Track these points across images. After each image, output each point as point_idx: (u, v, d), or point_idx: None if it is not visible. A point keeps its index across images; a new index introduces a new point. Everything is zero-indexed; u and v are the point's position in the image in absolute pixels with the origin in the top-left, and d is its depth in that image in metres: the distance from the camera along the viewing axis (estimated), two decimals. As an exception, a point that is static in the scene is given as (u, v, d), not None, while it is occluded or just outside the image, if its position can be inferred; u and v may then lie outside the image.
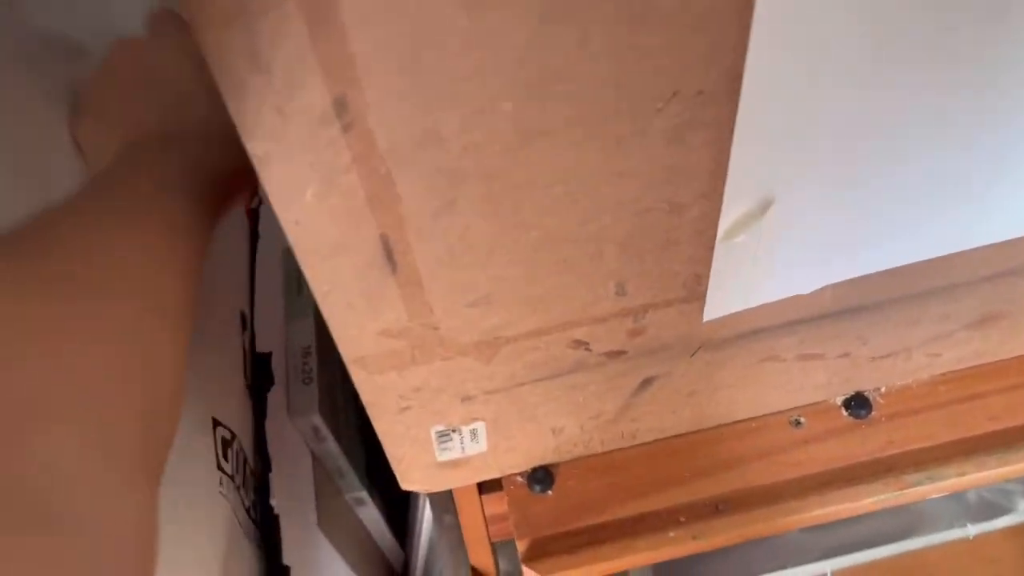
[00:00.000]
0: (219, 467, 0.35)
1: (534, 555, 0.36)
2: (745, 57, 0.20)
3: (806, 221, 0.26)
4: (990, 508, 0.68)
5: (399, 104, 0.20)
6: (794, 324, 0.32)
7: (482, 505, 0.47)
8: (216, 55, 0.18)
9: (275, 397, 0.48)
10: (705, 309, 0.29)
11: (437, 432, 0.33)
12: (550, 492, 0.38)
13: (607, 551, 0.36)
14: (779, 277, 0.28)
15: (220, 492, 0.35)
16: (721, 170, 0.24)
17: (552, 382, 0.32)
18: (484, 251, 0.25)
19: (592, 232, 0.25)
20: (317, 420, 0.55)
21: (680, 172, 0.24)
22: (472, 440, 0.35)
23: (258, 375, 0.47)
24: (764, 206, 0.25)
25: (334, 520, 0.62)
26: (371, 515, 0.72)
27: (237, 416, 0.40)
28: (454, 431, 0.34)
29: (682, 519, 0.37)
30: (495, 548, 0.53)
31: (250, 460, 0.42)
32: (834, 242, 0.28)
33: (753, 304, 0.29)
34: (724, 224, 0.25)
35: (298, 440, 0.53)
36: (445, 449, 0.35)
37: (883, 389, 0.39)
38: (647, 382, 0.34)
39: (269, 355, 0.48)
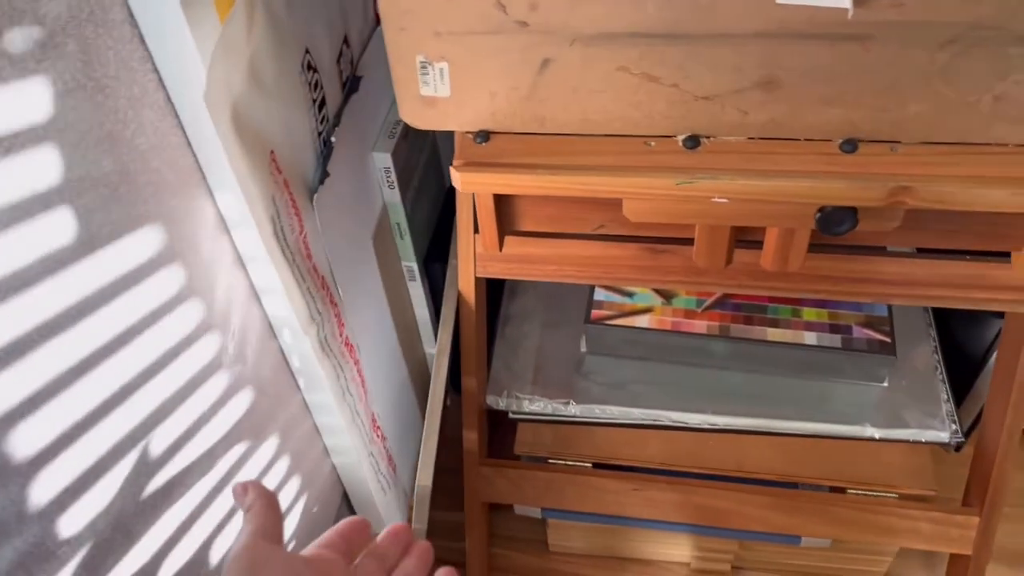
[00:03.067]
0: (302, 68, 0.61)
1: (463, 168, 0.59)
2: None
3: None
4: (893, 419, 0.82)
5: None
6: (635, 36, 0.54)
7: (474, 243, 0.71)
8: None
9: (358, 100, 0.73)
10: (565, -14, 0.51)
11: (420, 61, 0.57)
12: (486, 144, 0.61)
13: (511, 173, 0.58)
14: (607, -26, 0.50)
15: (299, 78, 0.61)
16: None
17: (485, 38, 0.55)
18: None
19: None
20: (388, 162, 0.80)
21: None
22: (441, 81, 0.58)
23: (351, 84, 0.72)
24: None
25: (385, 259, 0.86)
26: (417, 293, 0.94)
27: (325, 69, 0.65)
28: (430, 65, 0.57)
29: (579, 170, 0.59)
30: (477, 281, 0.76)
31: (328, 109, 0.67)
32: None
33: (594, -7, 0.51)
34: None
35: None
36: (424, 83, 0.59)
37: (711, 139, 0.59)
38: (546, 63, 0.56)
39: (361, 77, 0.73)
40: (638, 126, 0.59)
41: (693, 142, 0.58)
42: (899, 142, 0.56)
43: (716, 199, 0.57)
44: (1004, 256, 0.66)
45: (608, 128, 0.59)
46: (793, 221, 0.60)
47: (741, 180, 0.56)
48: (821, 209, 0.58)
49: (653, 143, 0.59)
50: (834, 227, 0.58)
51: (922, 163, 0.55)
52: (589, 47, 0.55)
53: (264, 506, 0.49)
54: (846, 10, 0.50)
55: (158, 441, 0.56)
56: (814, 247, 0.66)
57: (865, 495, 0.80)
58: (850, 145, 0.57)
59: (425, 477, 0.69)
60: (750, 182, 0.56)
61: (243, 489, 0.51)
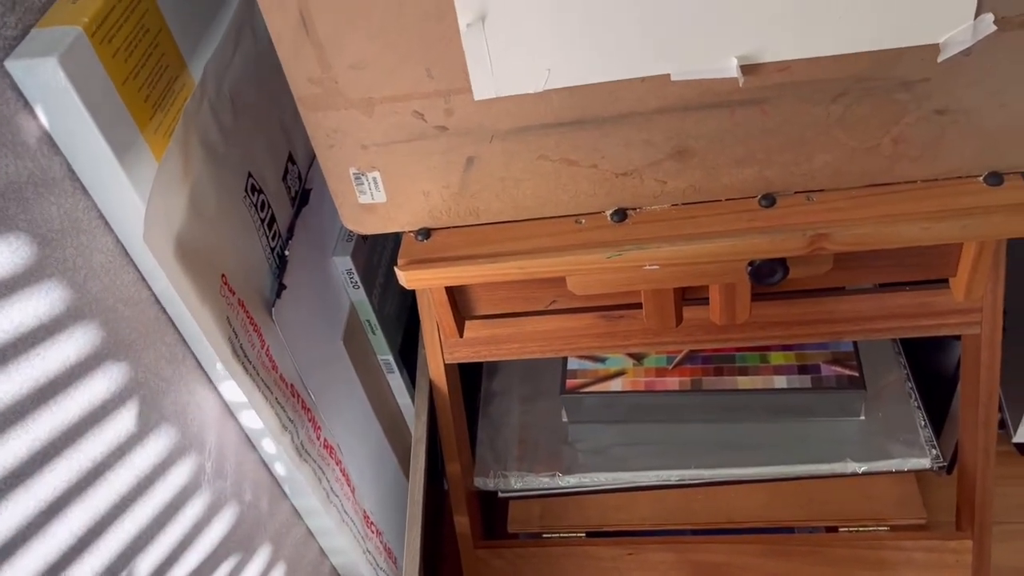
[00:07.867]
0: (245, 192, 0.64)
1: (406, 267, 0.62)
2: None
3: (518, 32, 0.52)
4: (873, 451, 0.83)
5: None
6: (547, 127, 0.57)
7: (438, 332, 0.73)
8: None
9: (306, 218, 0.76)
10: (473, 91, 0.55)
11: (353, 173, 0.61)
12: (427, 241, 0.63)
13: (452, 266, 0.61)
14: (511, 74, 0.54)
15: (243, 202, 0.64)
16: (451, -8, 0.50)
17: (410, 145, 0.58)
18: (350, 29, 0.53)
19: (404, 23, 0.52)
20: (349, 264, 0.83)
21: (434, -7, 0.51)
22: (376, 188, 0.61)
23: (301, 198, 0.76)
24: (481, 16, 0.51)
25: (360, 356, 0.88)
26: (398, 384, 0.96)
27: (270, 189, 0.69)
28: (363, 175, 0.61)
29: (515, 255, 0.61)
30: (448, 368, 0.78)
31: (279, 225, 0.70)
32: (544, 52, 0.53)
33: (503, 92, 0.55)
34: (461, 30, 0.52)
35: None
36: (361, 192, 0.62)
37: (637, 210, 0.61)
38: (470, 160, 0.59)
39: (310, 190, 0.77)
40: (567, 206, 0.62)
41: (620, 216, 0.61)
42: (814, 191, 0.59)
43: (648, 267, 0.60)
44: (943, 283, 0.68)
45: (540, 212, 0.62)
46: (727, 277, 0.62)
47: (667, 247, 0.58)
48: (751, 263, 0.60)
49: (583, 221, 0.62)
50: (766, 278, 0.60)
51: (836, 209, 0.58)
52: (507, 141, 0.58)
53: None
54: (736, 79, 0.53)
55: (142, 567, 0.57)
56: (760, 296, 0.69)
57: (857, 531, 0.81)
58: (768, 200, 0.59)
59: (411, 570, 0.70)
60: (676, 247, 0.58)
61: None
